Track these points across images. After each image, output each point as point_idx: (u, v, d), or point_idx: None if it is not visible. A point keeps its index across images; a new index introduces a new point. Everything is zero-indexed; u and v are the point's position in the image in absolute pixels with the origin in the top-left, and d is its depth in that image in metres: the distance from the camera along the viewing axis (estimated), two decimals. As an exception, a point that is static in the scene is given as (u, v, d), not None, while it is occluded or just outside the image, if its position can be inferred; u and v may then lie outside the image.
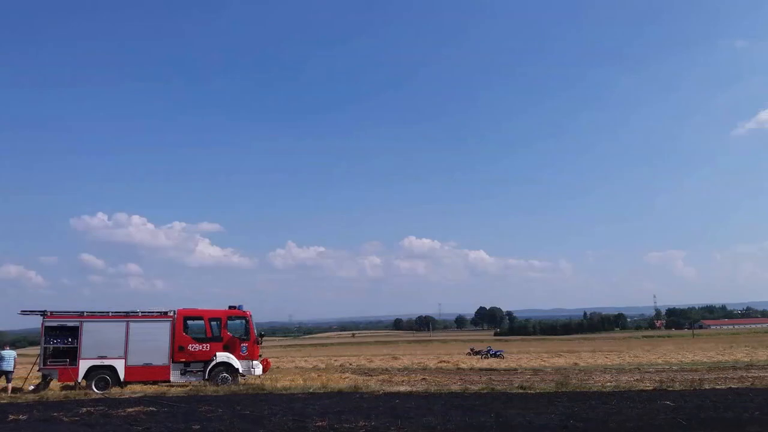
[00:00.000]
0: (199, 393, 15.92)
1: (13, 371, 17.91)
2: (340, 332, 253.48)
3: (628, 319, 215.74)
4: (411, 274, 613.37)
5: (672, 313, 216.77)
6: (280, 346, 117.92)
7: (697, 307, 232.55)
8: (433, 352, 58.21)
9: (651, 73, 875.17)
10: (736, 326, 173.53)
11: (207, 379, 18.61)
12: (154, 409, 12.62)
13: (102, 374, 18.00)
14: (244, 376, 19.18)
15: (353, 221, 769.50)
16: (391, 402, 13.30)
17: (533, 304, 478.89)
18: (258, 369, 19.63)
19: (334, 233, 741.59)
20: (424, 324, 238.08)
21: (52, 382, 18.17)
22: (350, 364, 36.83)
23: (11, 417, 11.67)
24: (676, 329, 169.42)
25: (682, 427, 9.60)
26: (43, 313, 18.17)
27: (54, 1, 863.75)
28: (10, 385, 17.67)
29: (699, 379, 18.50)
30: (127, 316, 18.67)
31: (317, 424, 10.33)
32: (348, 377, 23.66)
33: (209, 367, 18.77)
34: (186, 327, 19.19)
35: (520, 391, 15.54)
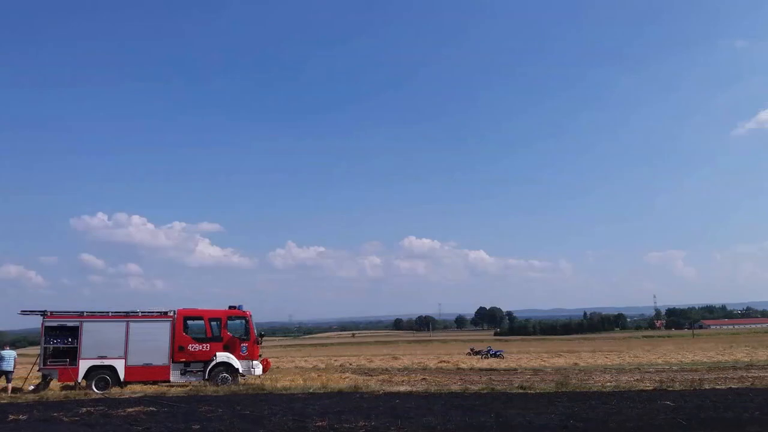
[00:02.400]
0: (199, 393, 15.92)
1: (13, 371, 17.90)
2: (340, 332, 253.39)
3: (628, 319, 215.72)
4: (411, 274, 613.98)
5: (672, 313, 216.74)
6: (280, 346, 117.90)
7: (697, 307, 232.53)
8: (433, 352, 58.21)
9: (651, 73, 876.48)
10: (736, 326, 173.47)
11: (207, 379, 18.60)
12: (154, 409, 12.62)
13: (102, 374, 17.99)
14: (244, 376, 19.17)
15: (353, 221, 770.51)
16: (391, 402, 13.29)
17: (533, 304, 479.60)
18: (258, 369, 19.62)
19: (334, 233, 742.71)
20: (424, 324, 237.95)
21: (52, 382, 18.17)
22: (350, 364, 36.83)
23: (11, 417, 11.66)
24: (676, 329, 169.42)
25: (682, 427, 9.60)
26: (43, 313, 18.16)
27: (54, 1, 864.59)
28: (10, 385, 17.66)
29: (699, 379, 18.51)
30: (127, 316, 18.66)
31: (317, 424, 10.32)
32: (348, 377, 23.65)
33: (209, 367, 18.76)
34: (186, 327, 19.18)
35: (520, 391, 15.54)
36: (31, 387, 18.52)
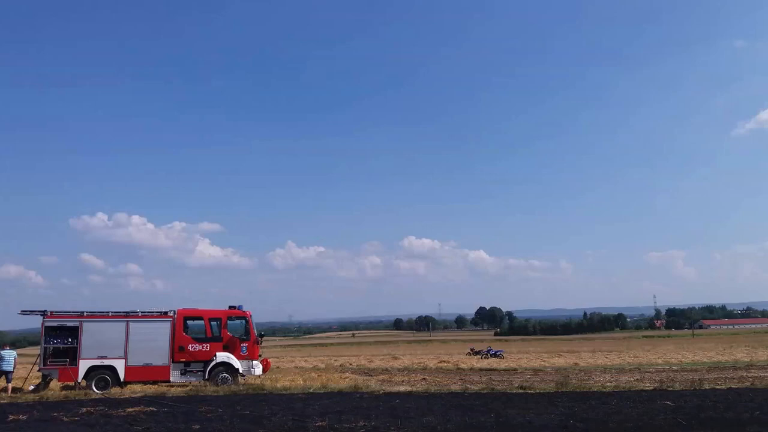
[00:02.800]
0: (199, 393, 15.92)
1: (13, 371, 17.89)
2: (340, 332, 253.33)
3: (628, 319, 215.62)
4: (411, 274, 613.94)
5: (672, 313, 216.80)
6: (280, 346, 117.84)
7: (697, 307, 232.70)
8: (433, 352, 58.18)
9: (651, 73, 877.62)
10: (736, 326, 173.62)
11: (207, 379, 18.58)
12: (154, 409, 12.62)
13: (102, 374, 17.98)
14: (244, 376, 19.17)
15: (353, 221, 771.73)
16: (391, 402, 13.29)
17: (533, 304, 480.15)
18: (258, 369, 19.61)
19: (334, 233, 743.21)
20: (424, 324, 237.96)
21: (52, 382, 18.17)
22: (350, 364, 36.82)
23: (11, 417, 11.66)
24: (676, 329, 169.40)
25: (682, 427, 9.60)
26: (43, 313, 18.15)
27: (54, 1, 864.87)
28: (10, 385, 17.66)
29: (699, 379, 18.51)
30: (127, 316, 18.64)
31: (317, 424, 10.33)
32: (348, 377, 23.64)
33: (209, 367, 18.75)
34: (186, 327, 19.16)
35: (520, 391, 15.55)
36: (31, 387, 18.51)
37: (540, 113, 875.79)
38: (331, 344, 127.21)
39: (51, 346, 18.10)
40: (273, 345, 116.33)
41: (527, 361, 38.48)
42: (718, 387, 15.99)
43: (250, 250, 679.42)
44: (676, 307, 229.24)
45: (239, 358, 19.11)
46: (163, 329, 18.70)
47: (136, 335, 18.42)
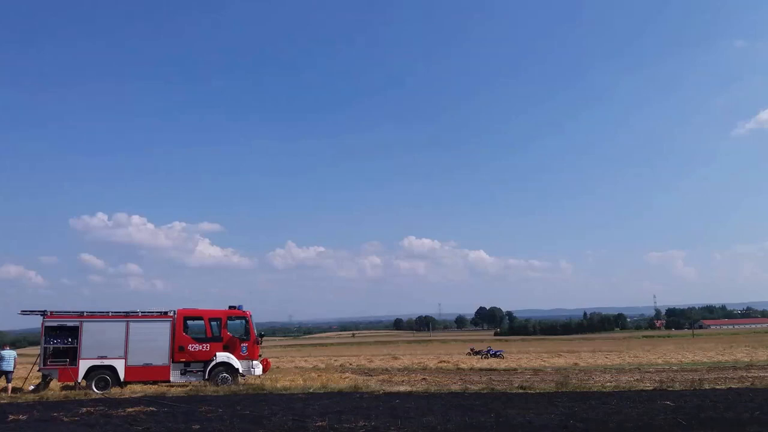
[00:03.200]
0: (199, 393, 15.92)
1: (13, 371, 17.89)
2: (340, 332, 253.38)
3: (628, 319, 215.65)
4: (411, 274, 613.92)
5: (672, 313, 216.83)
6: (280, 346, 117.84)
7: (697, 307, 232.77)
8: (433, 352, 58.18)
9: (651, 73, 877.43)
10: (736, 326, 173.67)
11: (207, 379, 18.58)
12: (154, 409, 12.62)
13: (102, 374, 17.98)
14: (244, 376, 19.17)
15: (353, 221, 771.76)
16: (391, 402, 13.29)
17: (533, 304, 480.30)
18: (258, 369, 19.61)
19: (334, 233, 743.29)
20: (424, 324, 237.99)
21: (52, 382, 18.17)
22: (350, 364, 36.81)
23: (11, 417, 11.66)
24: (676, 329, 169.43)
25: (682, 427, 9.60)
26: (43, 313, 18.16)
27: (54, 1, 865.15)
28: (10, 385, 17.66)
29: (699, 379, 18.51)
30: (127, 316, 18.64)
31: (317, 424, 10.33)
32: (348, 377, 23.64)
33: (209, 367, 18.75)
34: (186, 327, 19.17)
35: (520, 391, 15.55)
36: (31, 387, 18.51)
37: (540, 113, 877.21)
38: (331, 344, 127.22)
39: (51, 346, 18.10)
40: (273, 345, 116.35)
41: (527, 361, 38.48)
42: (718, 387, 15.99)
43: (250, 250, 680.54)
44: (676, 307, 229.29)
45: (239, 358, 19.10)
46: (163, 329, 18.70)
47: (136, 335, 18.42)
